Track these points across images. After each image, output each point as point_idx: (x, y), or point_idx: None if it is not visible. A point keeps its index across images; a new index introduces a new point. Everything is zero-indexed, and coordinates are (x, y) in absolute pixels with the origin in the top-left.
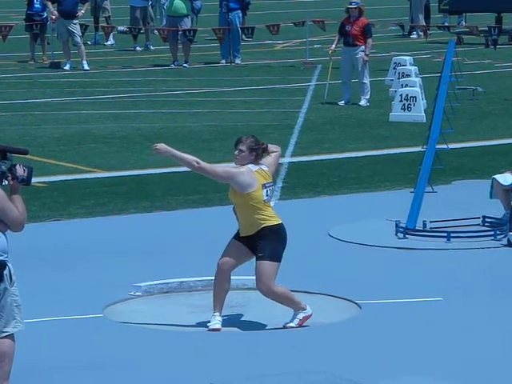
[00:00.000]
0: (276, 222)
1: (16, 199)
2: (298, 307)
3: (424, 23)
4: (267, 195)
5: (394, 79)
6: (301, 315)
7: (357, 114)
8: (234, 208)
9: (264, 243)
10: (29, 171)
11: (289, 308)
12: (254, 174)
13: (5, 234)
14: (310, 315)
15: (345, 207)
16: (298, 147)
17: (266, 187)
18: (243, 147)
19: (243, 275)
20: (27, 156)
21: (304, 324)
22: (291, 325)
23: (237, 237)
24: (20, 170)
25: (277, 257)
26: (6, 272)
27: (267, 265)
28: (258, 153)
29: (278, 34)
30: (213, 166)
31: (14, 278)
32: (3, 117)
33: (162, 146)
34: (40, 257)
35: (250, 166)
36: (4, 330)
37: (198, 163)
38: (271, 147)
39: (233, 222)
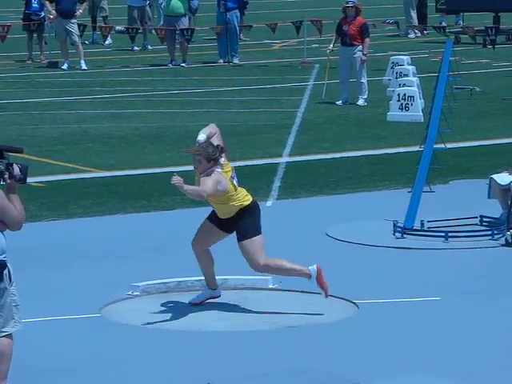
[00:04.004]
0: (248, 202)
1: (14, 198)
2: (302, 274)
3: (416, 19)
4: (236, 181)
5: (392, 79)
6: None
7: (355, 113)
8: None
9: (241, 223)
10: (24, 169)
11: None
12: (223, 176)
13: (3, 234)
14: (318, 269)
15: (342, 207)
16: (295, 147)
17: (232, 178)
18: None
19: (240, 275)
20: (25, 155)
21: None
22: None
23: (210, 217)
24: (16, 169)
25: (255, 230)
26: (5, 272)
27: (248, 243)
28: (217, 158)
29: (275, 33)
30: (206, 188)
31: (12, 277)
32: (1, 116)
33: (178, 181)
34: (38, 256)
35: (215, 169)
36: (2, 330)
37: (205, 192)
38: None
39: None
